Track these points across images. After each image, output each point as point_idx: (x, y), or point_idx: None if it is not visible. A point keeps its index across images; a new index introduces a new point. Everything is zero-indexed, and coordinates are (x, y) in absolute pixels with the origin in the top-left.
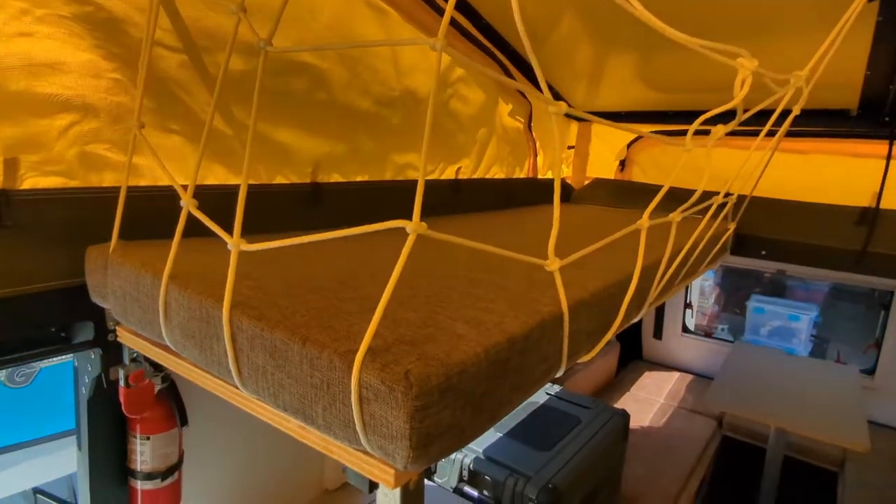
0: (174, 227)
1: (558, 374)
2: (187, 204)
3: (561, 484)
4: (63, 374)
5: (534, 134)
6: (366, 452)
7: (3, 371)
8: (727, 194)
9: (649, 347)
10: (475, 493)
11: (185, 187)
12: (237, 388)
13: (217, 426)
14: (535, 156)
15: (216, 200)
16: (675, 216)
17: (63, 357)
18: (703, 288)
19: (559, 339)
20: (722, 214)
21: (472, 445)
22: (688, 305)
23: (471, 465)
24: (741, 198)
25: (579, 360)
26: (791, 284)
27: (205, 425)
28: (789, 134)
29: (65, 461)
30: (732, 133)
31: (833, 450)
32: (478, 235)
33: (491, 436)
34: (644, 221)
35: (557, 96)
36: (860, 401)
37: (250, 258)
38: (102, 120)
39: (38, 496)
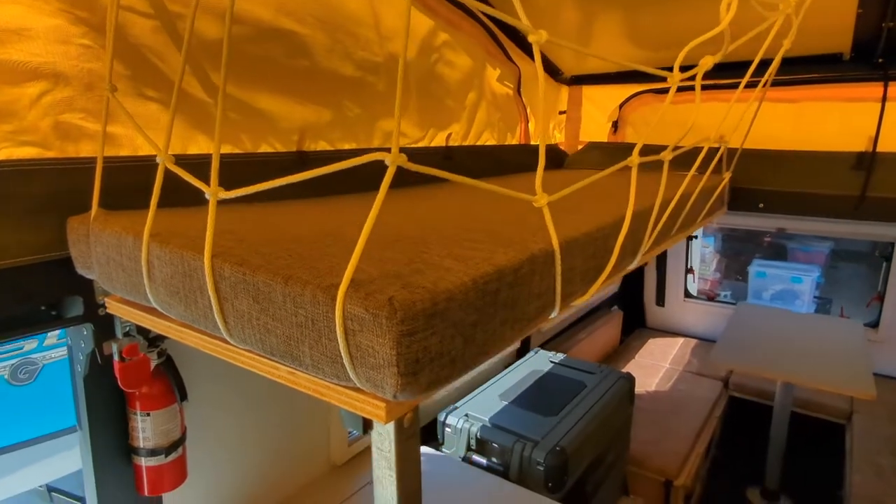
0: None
1: (553, 315)
2: (163, 160)
3: (568, 447)
4: (66, 370)
5: (523, 99)
6: (356, 389)
7: (7, 369)
8: (717, 144)
9: (652, 314)
10: (484, 460)
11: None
12: (226, 340)
13: (219, 402)
14: (526, 122)
15: (200, 169)
16: (666, 155)
17: (57, 350)
18: (704, 255)
19: (552, 277)
20: (714, 162)
21: (478, 414)
22: (689, 271)
23: (478, 434)
24: (734, 150)
25: (575, 302)
26: (792, 247)
27: (206, 402)
28: (781, 83)
29: (74, 457)
30: (722, 87)
31: (840, 402)
32: (470, 198)
33: (496, 404)
34: (634, 158)
35: (546, 60)
36: (865, 352)
37: (232, 218)
38: (75, 88)
39: (54, 494)
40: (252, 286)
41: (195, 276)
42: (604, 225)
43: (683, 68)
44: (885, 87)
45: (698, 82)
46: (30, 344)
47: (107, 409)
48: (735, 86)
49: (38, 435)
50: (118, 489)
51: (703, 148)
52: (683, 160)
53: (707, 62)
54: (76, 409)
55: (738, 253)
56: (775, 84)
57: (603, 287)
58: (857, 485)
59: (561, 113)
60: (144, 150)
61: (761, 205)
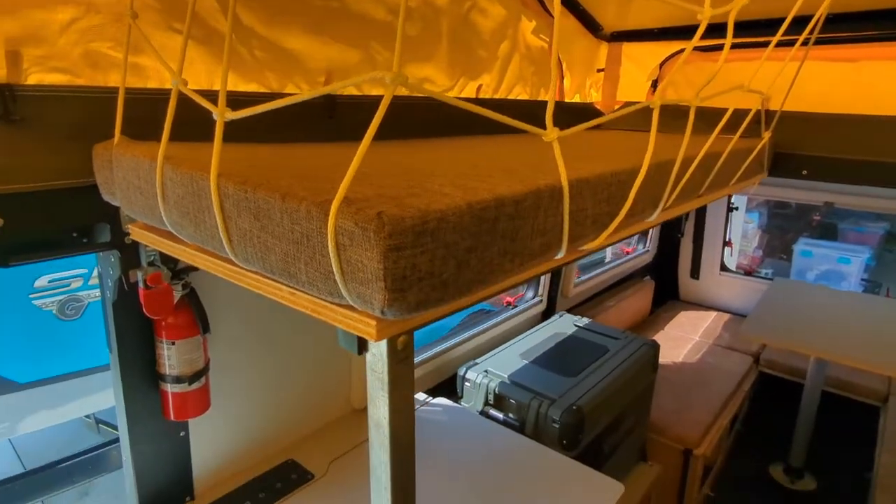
0: (180, 129)
1: (560, 255)
2: (177, 83)
3: (585, 406)
4: None
5: (560, 55)
6: (350, 308)
7: (55, 304)
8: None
9: (686, 287)
10: (500, 415)
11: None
12: (231, 260)
13: (242, 340)
14: (562, 78)
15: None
16: (693, 100)
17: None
18: (746, 230)
19: (559, 215)
20: (747, 120)
21: (497, 370)
22: (727, 243)
23: (496, 389)
24: (778, 111)
25: (585, 247)
26: (843, 227)
27: (230, 338)
28: (839, 41)
29: None
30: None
31: (876, 384)
32: (495, 147)
33: (517, 363)
34: (656, 100)
35: (586, 15)
36: None
37: (253, 152)
38: (105, 16)
39: (101, 426)
40: (253, 203)
41: (203, 195)
42: (619, 170)
43: (739, 25)
44: None
45: (731, 21)
46: (76, 282)
47: (135, 335)
48: (782, 43)
49: (85, 367)
50: (146, 412)
51: (740, 105)
52: (716, 119)
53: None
54: (107, 333)
55: (784, 230)
56: (833, 42)
57: (616, 235)
58: (887, 466)
59: (599, 71)
60: (170, 83)
61: (805, 171)
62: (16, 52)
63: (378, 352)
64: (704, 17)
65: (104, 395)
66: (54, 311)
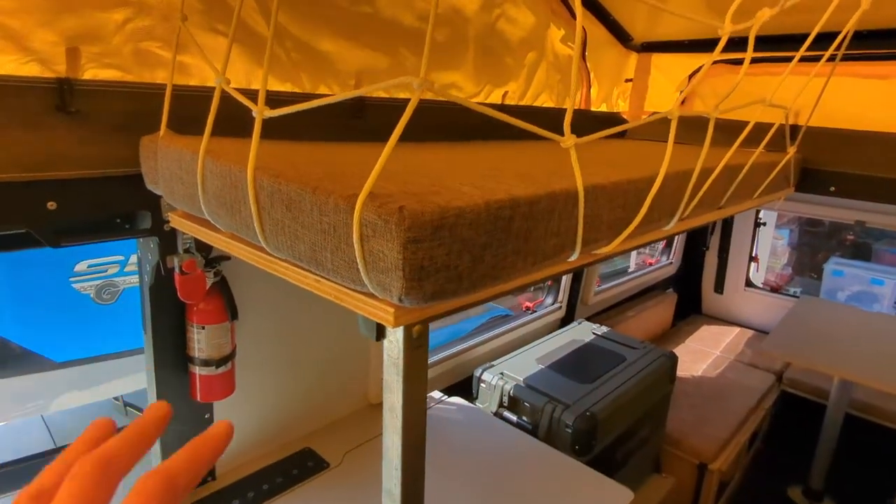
0: (220, 124)
1: (573, 258)
2: (220, 81)
3: (599, 413)
4: None
5: (588, 64)
6: (370, 295)
7: (93, 289)
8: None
9: (709, 301)
10: (514, 417)
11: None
12: (263, 249)
13: (267, 330)
14: (589, 87)
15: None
16: (712, 112)
17: (136, 276)
18: (776, 247)
19: (573, 219)
20: (769, 134)
21: (513, 373)
22: (753, 259)
23: (511, 392)
24: (797, 127)
25: (599, 251)
26: (878, 248)
27: (256, 328)
28: (871, 57)
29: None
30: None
31: None
32: (518, 152)
33: (533, 367)
34: (674, 110)
35: (616, 25)
36: None
37: (290, 149)
38: (154, 18)
39: (129, 408)
40: (286, 195)
41: (240, 187)
42: (636, 178)
43: (763, 38)
44: None
45: (752, 35)
46: (112, 268)
47: (168, 318)
48: (810, 58)
49: (116, 351)
50: (175, 392)
51: (765, 119)
52: (747, 136)
53: (763, 14)
54: (142, 316)
55: (815, 249)
56: (863, 58)
57: (631, 242)
58: None
59: (627, 81)
60: (212, 81)
61: (833, 188)
62: (75, 49)
63: (395, 339)
64: (725, 32)
65: (133, 379)
66: (91, 295)
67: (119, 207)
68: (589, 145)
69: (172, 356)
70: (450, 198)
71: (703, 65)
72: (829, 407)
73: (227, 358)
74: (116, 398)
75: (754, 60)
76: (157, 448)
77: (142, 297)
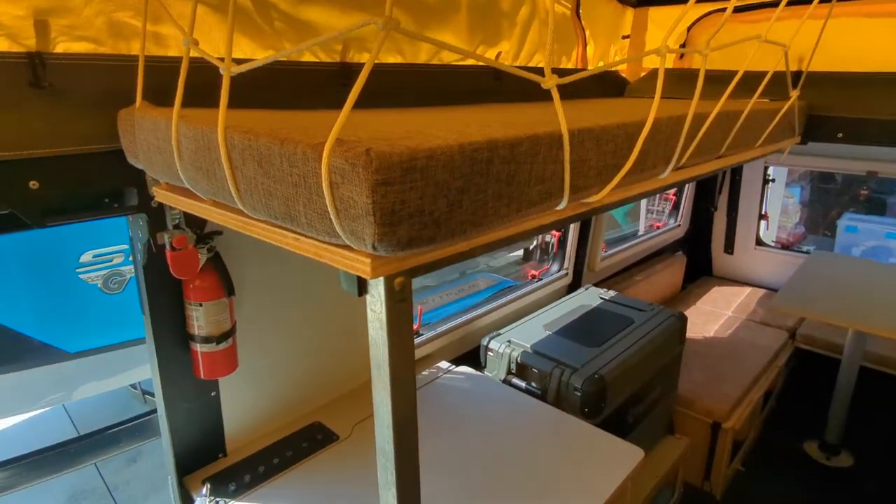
0: (201, 97)
1: (562, 206)
2: (189, 42)
3: (607, 375)
4: None
5: (582, 22)
6: (347, 248)
7: (100, 279)
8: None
9: (720, 262)
10: (523, 384)
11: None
12: (241, 212)
13: (268, 305)
14: (585, 46)
15: (242, 74)
16: (705, 49)
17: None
18: (787, 206)
19: (559, 163)
20: (765, 80)
21: (520, 340)
22: (763, 216)
23: (519, 359)
24: (809, 72)
25: (590, 199)
26: (893, 202)
27: (256, 302)
28: None
29: None
30: (796, 2)
31: None
32: (513, 112)
33: (540, 333)
34: (662, 48)
35: None
36: None
37: (267, 114)
38: None
39: (147, 396)
40: (256, 150)
41: (212, 147)
42: (627, 122)
43: None
44: None
45: None
46: (118, 258)
47: (165, 297)
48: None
49: (129, 339)
50: (178, 370)
51: (768, 69)
52: (749, 83)
53: None
54: (139, 296)
55: (828, 206)
56: None
57: (626, 191)
58: None
59: (624, 38)
60: (193, 53)
61: (840, 135)
62: (44, 22)
63: (377, 293)
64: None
65: (148, 367)
66: (99, 285)
67: (104, 185)
68: (586, 102)
69: (173, 335)
70: (421, 141)
71: (701, 15)
72: (844, 360)
73: (228, 334)
74: (134, 386)
75: (751, 7)
76: (166, 427)
77: (136, 277)
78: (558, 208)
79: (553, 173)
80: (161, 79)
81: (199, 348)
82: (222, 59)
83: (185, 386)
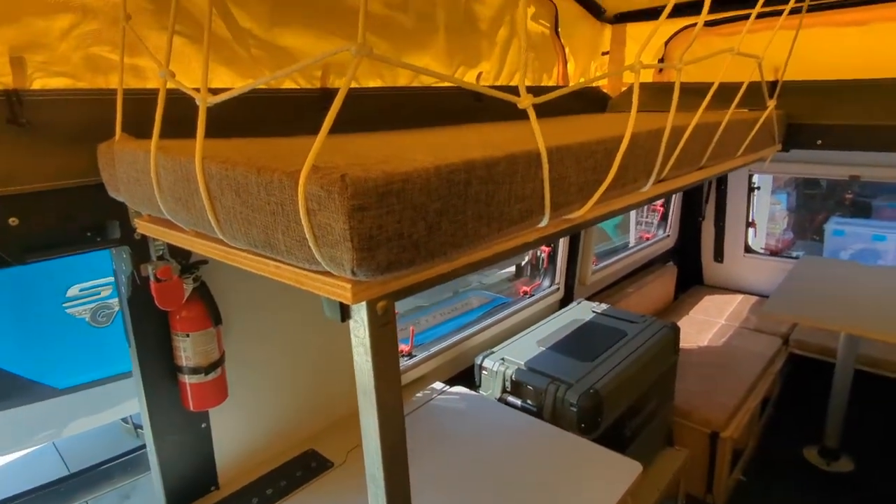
0: (180, 128)
1: (543, 223)
2: (165, 74)
3: (602, 389)
4: None
5: (562, 40)
6: (328, 274)
7: (88, 312)
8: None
9: (710, 271)
10: (518, 401)
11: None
12: (221, 239)
13: (258, 332)
14: (565, 63)
15: (221, 103)
16: (677, 63)
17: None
18: (774, 212)
19: (538, 181)
20: (741, 91)
21: (514, 358)
22: (750, 224)
23: (513, 377)
24: (786, 82)
25: (572, 216)
26: (878, 204)
27: (245, 330)
28: (849, 4)
29: None
30: (770, 14)
31: None
32: (493, 133)
33: (533, 349)
34: (636, 64)
35: (587, 0)
36: None
37: (246, 143)
38: (102, 21)
39: (139, 430)
40: (233, 180)
41: (191, 178)
42: (605, 138)
43: None
44: None
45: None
46: (106, 290)
47: (152, 329)
48: (780, 13)
49: (118, 372)
50: (167, 403)
51: (745, 80)
52: (727, 95)
53: None
54: (125, 329)
55: (814, 211)
56: (842, 6)
57: (608, 206)
58: None
59: (604, 54)
60: (169, 84)
61: (820, 142)
62: (20, 59)
63: (359, 317)
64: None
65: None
66: (87, 319)
67: (86, 219)
68: (568, 119)
69: (160, 367)
70: (398, 165)
71: (678, 30)
72: (838, 364)
73: (216, 364)
74: (125, 420)
75: (724, 21)
76: (155, 462)
77: (122, 310)
78: (540, 225)
79: (533, 191)
80: (140, 111)
81: (187, 380)
82: (198, 90)
83: (174, 419)
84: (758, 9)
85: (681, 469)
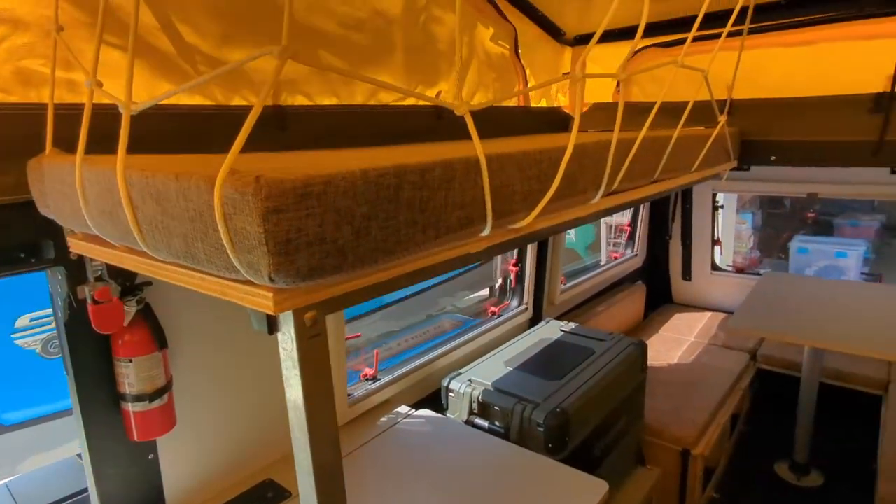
0: (114, 144)
1: (485, 232)
2: (91, 83)
3: (570, 408)
4: None
5: (522, 61)
6: (251, 284)
7: (39, 343)
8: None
9: (678, 289)
10: (485, 423)
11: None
12: (146, 251)
13: (208, 357)
14: (525, 84)
15: (164, 120)
16: (620, 74)
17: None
18: (740, 231)
19: (478, 189)
20: (688, 108)
21: (481, 378)
22: (716, 242)
23: (480, 398)
24: (741, 100)
25: (517, 225)
26: (839, 223)
27: (194, 355)
28: (797, 25)
29: None
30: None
31: (876, 373)
32: (450, 149)
33: (501, 370)
34: (578, 73)
35: (546, 21)
36: None
37: (189, 157)
38: (34, 34)
39: None
40: (153, 187)
41: (114, 190)
42: (549, 147)
43: (691, 19)
44: None
45: (643, 20)
46: None
47: (91, 355)
48: (733, 33)
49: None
50: (109, 434)
51: (699, 98)
52: (682, 112)
53: None
54: (62, 355)
55: (779, 230)
56: (791, 27)
57: (557, 217)
58: (889, 453)
59: (564, 75)
60: (105, 98)
61: (773, 157)
62: None
63: (286, 329)
64: (643, 17)
65: None
66: (38, 350)
67: (17, 238)
68: (527, 138)
69: (101, 395)
70: (321, 169)
71: (636, 50)
72: (803, 377)
73: (163, 390)
74: (80, 456)
75: (679, 42)
76: (96, 499)
77: (58, 335)
78: (483, 234)
79: (473, 199)
80: (73, 126)
81: (130, 408)
82: (164, 117)
83: (118, 451)
84: (694, 30)
85: (653, 488)
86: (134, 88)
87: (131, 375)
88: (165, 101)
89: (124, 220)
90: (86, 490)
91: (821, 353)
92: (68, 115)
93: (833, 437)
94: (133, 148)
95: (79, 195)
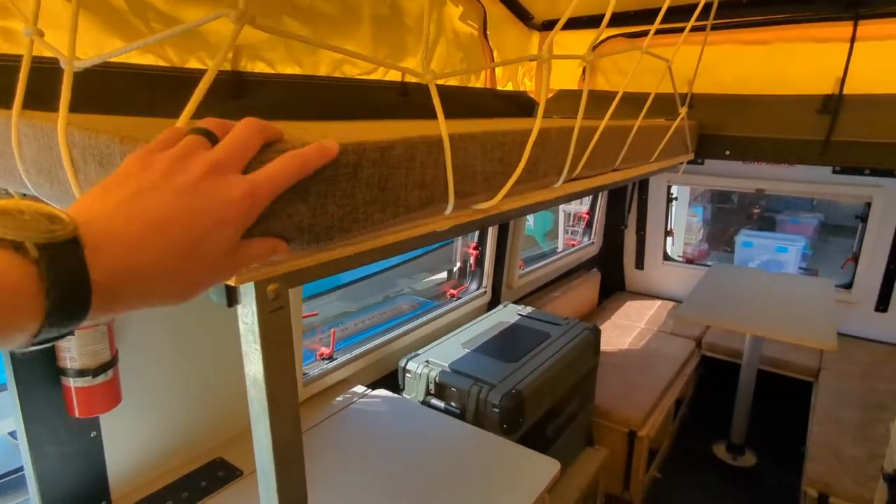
0: (56, 101)
1: (448, 211)
2: (32, 32)
3: (524, 390)
4: None
5: (490, 43)
6: None
7: None
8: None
9: (631, 277)
10: (442, 404)
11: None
12: None
13: (156, 333)
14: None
15: (113, 76)
16: (587, 56)
17: None
18: (691, 224)
19: (440, 168)
20: (649, 100)
21: (438, 360)
22: (668, 233)
23: (437, 379)
24: (698, 93)
25: (480, 206)
26: (781, 219)
27: (142, 331)
28: (755, 24)
29: None
30: (681, 30)
31: (808, 360)
32: (421, 126)
33: (458, 352)
34: (544, 53)
35: (515, 3)
36: (832, 308)
37: (130, 120)
38: None
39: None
40: (97, 150)
41: (54, 147)
42: (513, 130)
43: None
44: (855, 26)
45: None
46: None
47: None
48: (697, 28)
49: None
50: (48, 410)
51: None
52: (643, 102)
53: None
54: None
55: (726, 224)
56: (749, 25)
57: (520, 200)
58: (816, 435)
59: (532, 59)
60: (48, 51)
61: (728, 152)
62: None
63: (248, 302)
64: (609, 6)
65: None
66: None
67: None
68: (492, 121)
69: (39, 370)
70: (279, 145)
71: (603, 39)
72: (744, 364)
73: (107, 365)
74: (14, 434)
75: (643, 33)
76: (32, 478)
77: None
78: (446, 213)
79: (434, 178)
80: (10, 78)
81: (72, 383)
82: (116, 75)
83: (58, 428)
84: (658, 21)
85: (600, 468)
86: (80, 43)
87: (73, 349)
88: (114, 59)
89: (65, 182)
90: (18, 470)
91: (760, 341)
92: (5, 67)
93: (768, 420)
94: (77, 107)
95: (14, 152)
